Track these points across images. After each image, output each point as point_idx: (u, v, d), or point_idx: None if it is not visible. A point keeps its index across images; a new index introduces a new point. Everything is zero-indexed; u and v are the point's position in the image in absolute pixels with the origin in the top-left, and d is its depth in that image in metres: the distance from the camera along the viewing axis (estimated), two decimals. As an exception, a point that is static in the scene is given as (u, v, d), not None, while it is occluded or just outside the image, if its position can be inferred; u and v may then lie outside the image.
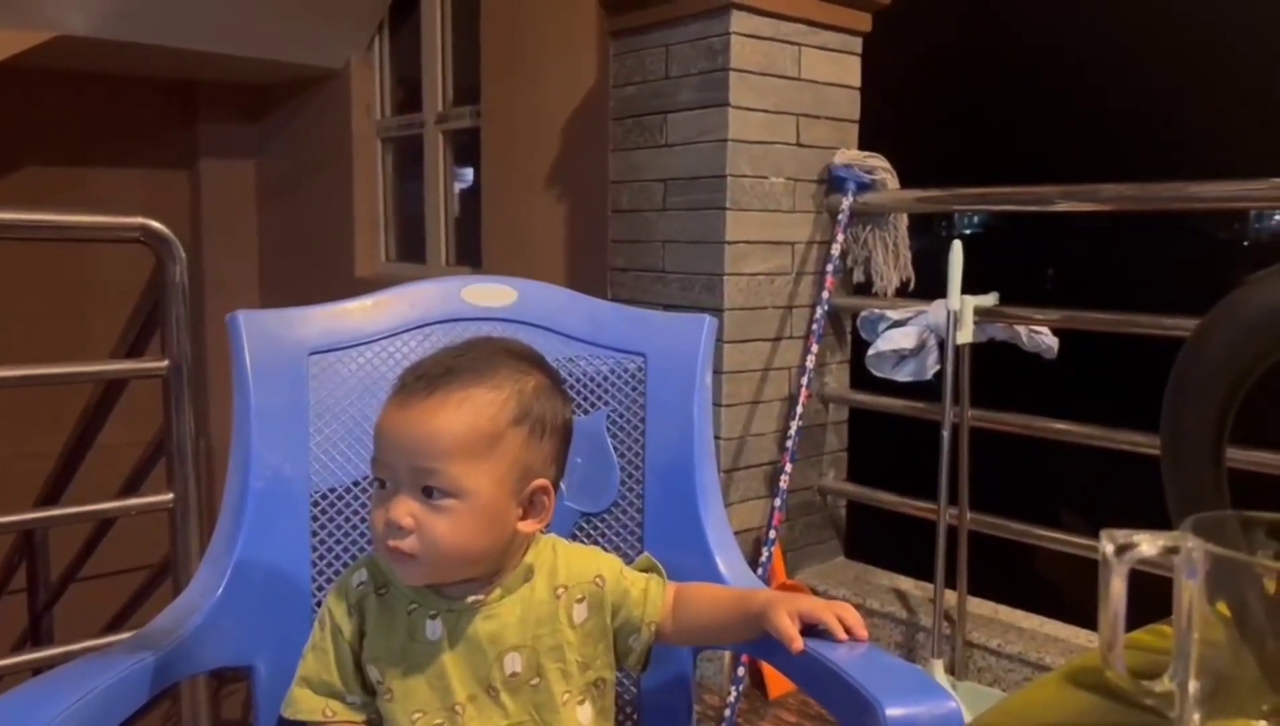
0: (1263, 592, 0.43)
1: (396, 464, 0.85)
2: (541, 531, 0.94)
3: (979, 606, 2.41)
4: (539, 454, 0.89)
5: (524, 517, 0.89)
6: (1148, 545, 0.44)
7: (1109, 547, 0.44)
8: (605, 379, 1.16)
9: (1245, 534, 0.47)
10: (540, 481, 0.89)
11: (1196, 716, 0.44)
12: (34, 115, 4.47)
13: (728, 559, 1.09)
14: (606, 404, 1.15)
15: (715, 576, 1.08)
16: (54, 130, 4.59)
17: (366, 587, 0.91)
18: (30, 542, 2.77)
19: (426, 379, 0.87)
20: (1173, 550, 0.44)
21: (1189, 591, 0.43)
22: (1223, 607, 0.44)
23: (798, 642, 0.86)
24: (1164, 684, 0.45)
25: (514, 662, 0.90)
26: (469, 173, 4.10)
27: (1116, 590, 0.44)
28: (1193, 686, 0.44)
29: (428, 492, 0.84)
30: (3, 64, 3.44)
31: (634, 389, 1.16)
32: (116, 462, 2.41)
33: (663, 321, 1.21)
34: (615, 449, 1.14)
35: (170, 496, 1.84)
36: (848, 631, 0.88)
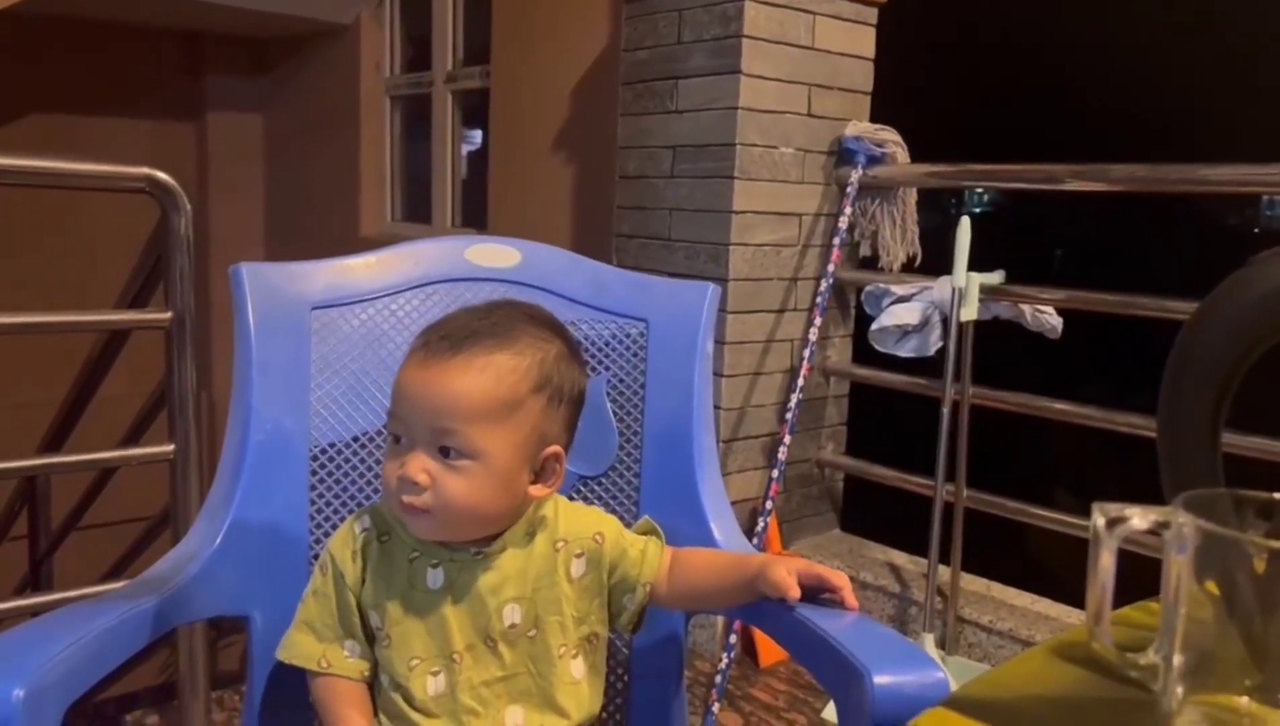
0: (1251, 571, 0.43)
1: (415, 421, 0.86)
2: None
3: (972, 582, 2.42)
4: (555, 421, 0.91)
5: (535, 482, 0.91)
6: (1139, 519, 0.44)
7: (1100, 520, 0.44)
8: (607, 343, 1.16)
9: (1237, 512, 0.47)
10: (554, 448, 0.91)
11: (1179, 689, 0.44)
12: (41, 63, 4.44)
13: (723, 525, 1.10)
14: (607, 369, 1.15)
15: (710, 542, 1.08)
16: (60, 78, 4.56)
17: (370, 534, 0.92)
18: (32, 490, 2.79)
19: (450, 339, 0.88)
20: (1164, 525, 0.44)
21: (1177, 566, 0.44)
22: (1211, 586, 0.44)
23: (795, 591, 0.88)
24: (1149, 656, 0.46)
25: (513, 614, 0.91)
26: (477, 134, 4.08)
27: (1106, 563, 0.45)
28: (1177, 660, 0.44)
29: (444, 452, 0.86)
30: (9, 10, 3.41)
31: (635, 354, 1.16)
32: (119, 413, 2.42)
33: (666, 288, 1.21)
34: (614, 413, 1.14)
35: (171, 448, 1.85)
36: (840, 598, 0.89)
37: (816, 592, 0.90)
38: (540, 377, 0.89)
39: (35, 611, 1.80)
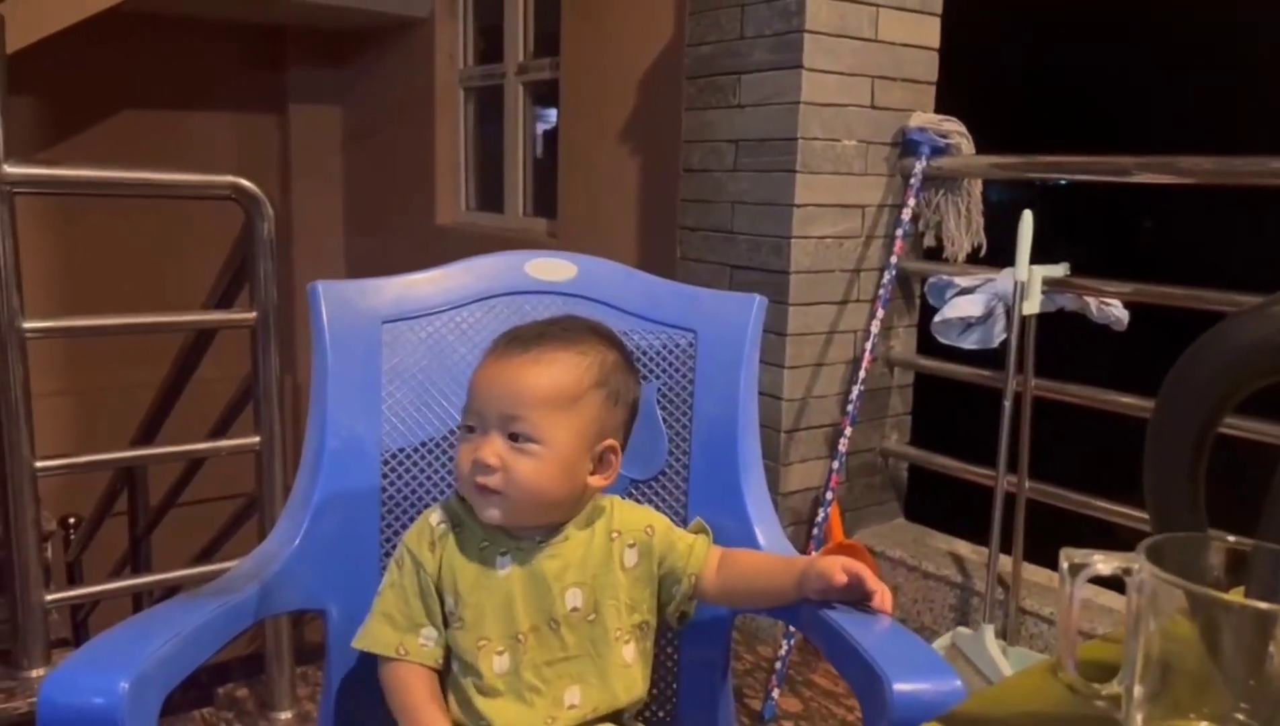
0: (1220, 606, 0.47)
1: (488, 411, 0.96)
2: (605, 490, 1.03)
3: (1034, 573, 2.42)
4: (612, 418, 1.00)
5: (594, 472, 0.99)
6: (1103, 564, 0.49)
7: (1065, 564, 0.49)
8: (657, 353, 1.21)
9: (1208, 555, 0.51)
10: (611, 441, 1.00)
11: (1140, 716, 0.49)
12: (131, 60, 4.63)
13: (765, 528, 1.15)
14: (657, 377, 1.21)
15: (753, 543, 1.14)
16: (153, 76, 4.75)
17: (445, 526, 1.01)
18: (131, 471, 2.96)
19: (521, 341, 0.99)
20: (1127, 570, 0.49)
21: (1138, 604, 0.48)
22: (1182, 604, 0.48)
23: (841, 577, 0.95)
24: (1112, 687, 0.50)
25: (575, 598, 0.99)
26: (548, 124, 4.15)
27: (1072, 602, 0.49)
28: (1137, 690, 0.48)
29: (514, 437, 0.95)
30: (107, 11, 3.57)
31: (684, 363, 1.21)
32: (211, 395, 2.58)
33: (714, 299, 1.26)
34: (664, 420, 1.20)
35: (257, 439, 1.96)
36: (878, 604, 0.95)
37: (857, 591, 0.95)
38: (600, 375, 0.99)
39: (137, 592, 1.94)
